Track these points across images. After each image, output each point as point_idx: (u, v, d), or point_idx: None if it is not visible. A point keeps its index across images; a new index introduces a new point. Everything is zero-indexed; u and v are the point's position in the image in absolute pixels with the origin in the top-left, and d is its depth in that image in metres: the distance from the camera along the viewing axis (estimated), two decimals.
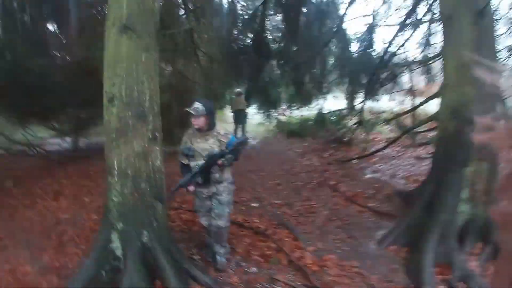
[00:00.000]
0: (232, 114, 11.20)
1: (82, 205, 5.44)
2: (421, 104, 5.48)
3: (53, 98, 6.82)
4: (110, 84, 3.28)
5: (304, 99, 11.44)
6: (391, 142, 7.42)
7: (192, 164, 3.46)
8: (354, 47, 9.90)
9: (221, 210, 3.54)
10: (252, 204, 5.59)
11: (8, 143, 7.95)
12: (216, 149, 3.38)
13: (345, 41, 9.86)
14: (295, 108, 12.10)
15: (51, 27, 7.63)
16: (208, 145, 3.40)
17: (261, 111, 11.99)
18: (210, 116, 3.38)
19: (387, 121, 9.04)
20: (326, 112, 10.91)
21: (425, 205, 4.10)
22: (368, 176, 6.92)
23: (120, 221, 3.29)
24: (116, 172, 3.30)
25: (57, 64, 6.78)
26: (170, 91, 7.62)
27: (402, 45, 8.34)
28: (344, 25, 9.45)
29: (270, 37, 10.82)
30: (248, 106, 11.14)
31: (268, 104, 11.64)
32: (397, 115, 8.36)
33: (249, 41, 10.57)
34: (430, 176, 4.49)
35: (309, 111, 11.94)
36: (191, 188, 3.43)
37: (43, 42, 6.84)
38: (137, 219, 3.28)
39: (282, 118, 12.64)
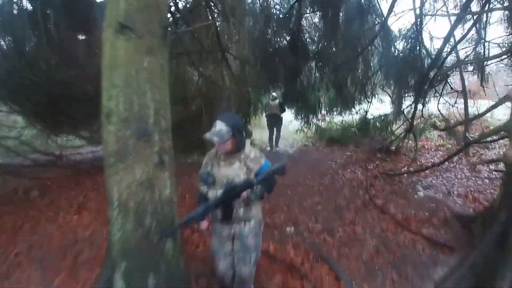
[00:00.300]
0: (266, 119, 11.05)
1: (103, 221, 5.25)
2: (487, 111, 4.77)
3: (83, 107, 6.85)
4: (107, 97, 2.79)
5: (346, 104, 10.79)
6: (450, 157, 6.72)
7: (211, 194, 2.84)
8: (399, 45, 9.17)
9: (246, 255, 2.93)
10: (287, 229, 5.07)
11: (35, 152, 8.17)
12: (242, 177, 2.75)
13: (389, 39, 9.17)
14: (336, 113, 11.45)
15: (80, 37, 7.55)
16: (232, 172, 2.79)
17: (299, 117, 11.39)
18: (239, 135, 2.74)
19: (443, 130, 8.31)
20: (370, 117, 10.28)
21: (495, 238, 3.49)
22: (421, 193, 6.26)
23: (123, 260, 2.84)
24: (116, 204, 2.83)
25: (87, 74, 6.68)
26: (199, 98, 7.36)
27: (459, 42, 7.52)
28: (388, 22, 8.68)
29: (308, 37, 10.26)
30: (282, 111, 10.78)
31: (307, 109, 11.03)
32: (456, 124, 7.58)
33: (284, 42, 10.07)
34: (501, 201, 3.85)
35: (351, 117, 11.34)
36: (204, 225, 2.89)
37: (73, 53, 6.78)
38: (141, 259, 2.83)
39: (322, 124, 12.05)
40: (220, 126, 2.65)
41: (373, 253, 4.28)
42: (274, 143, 11.06)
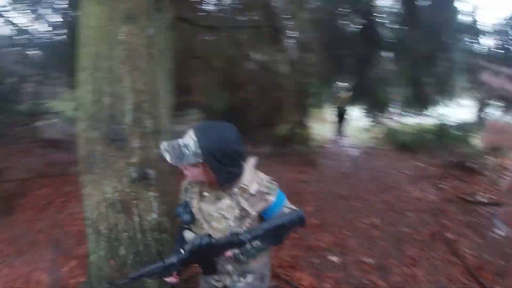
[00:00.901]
0: (336, 111, 11.61)
1: None
2: None
3: None
4: (76, 84, 2.32)
5: (423, 104, 10.13)
6: None
7: (187, 235, 2.01)
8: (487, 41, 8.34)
9: None
10: (330, 257, 4.56)
11: None
12: (232, 223, 1.87)
13: (476, 33, 8.36)
14: (410, 114, 10.84)
15: None
16: (216, 211, 1.89)
17: (367, 114, 10.93)
18: (216, 165, 1.72)
19: None
20: (450, 124, 9.57)
21: None
22: (500, 232, 5.54)
23: (99, 285, 2.51)
24: (88, 222, 2.44)
25: None
26: (250, 84, 7.12)
27: None
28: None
29: (384, 23, 9.62)
30: (347, 103, 11.16)
31: (376, 105, 10.53)
32: None
33: (356, 26, 9.52)
34: None
35: (428, 120, 10.63)
36: (172, 279, 1.91)
37: None
38: None
39: (393, 125, 11.41)
40: (188, 140, 1.72)
41: None
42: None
